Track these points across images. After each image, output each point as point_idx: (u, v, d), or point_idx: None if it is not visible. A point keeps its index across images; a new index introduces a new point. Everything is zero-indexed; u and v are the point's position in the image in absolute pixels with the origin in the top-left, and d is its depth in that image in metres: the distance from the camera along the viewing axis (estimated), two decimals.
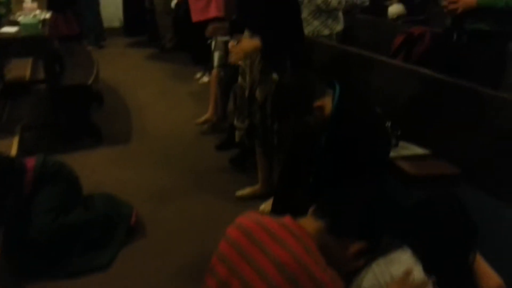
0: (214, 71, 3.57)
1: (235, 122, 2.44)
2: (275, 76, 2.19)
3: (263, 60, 2.19)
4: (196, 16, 4.44)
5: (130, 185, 2.86)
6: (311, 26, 3.23)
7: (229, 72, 3.46)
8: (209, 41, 3.89)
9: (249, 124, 2.33)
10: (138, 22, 7.57)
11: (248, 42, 2.15)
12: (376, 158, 1.55)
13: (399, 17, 5.15)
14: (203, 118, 3.64)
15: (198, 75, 5.08)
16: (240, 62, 2.36)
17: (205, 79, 4.86)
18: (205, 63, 4.90)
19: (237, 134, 2.43)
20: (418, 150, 2.06)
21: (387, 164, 1.66)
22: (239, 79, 2.39)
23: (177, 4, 4.74)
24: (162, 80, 5.18)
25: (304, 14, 3.11)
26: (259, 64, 2.20)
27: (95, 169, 3.08)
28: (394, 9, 5.20)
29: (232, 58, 2.19)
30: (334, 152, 1.57)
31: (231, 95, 3.53)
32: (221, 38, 3.85)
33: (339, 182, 1.44)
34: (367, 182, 1.44)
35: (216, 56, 3.83)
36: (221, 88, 3.49)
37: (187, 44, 4.99)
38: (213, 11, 4.37)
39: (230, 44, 3.13)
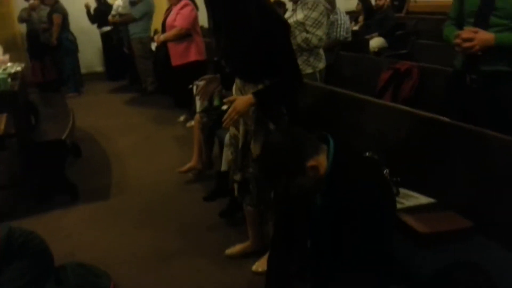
0: (197, 117, 3.39)
1: (232, 174, 2.24)
2: (271, 126, 2.01)
3: (257, 110, 2.01)
4: (176, 60, 4.33)
5: (109, 250, 2.60)
6: None
7: (212, 116, 3.31)
8: (190, 86, 3.74)
9: (241, 178, 2.14)
10: (119, 66, 7.48)
11: (242, 101, 1.91)
12: (381, 220, 1.36)
13: (380, 50, 5.13)
14: (187, 166, 3.43)
15: (182, 118, 4.91)
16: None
17: (192, 122, 4.68)
18: (188, 107, 4.76)
19: (236, 188, 2.23)
20: (422, 199, 1.88)
21: (393, 226, 1.47)
22: (231, 129, 2.20)
23: (156, 48, 4.63)
24: (144, 125, 4.99)
25: None
26: (254, 114, 2.03)
27: (71, 231, 2.82)
28: (375, 42, 5.18)
29: (227, 123, 1.94)
30: (333, 216, 1.37)
31: (216, 140, 3.36)
32: (202, 82, 3.70)
33: (340, 258, 1.25)
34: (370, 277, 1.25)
35: (199, 102, 3.67)
36: (204, 134, 3.31)
37: (169, 88, 4.85)
38: (193, 55, 4.26)
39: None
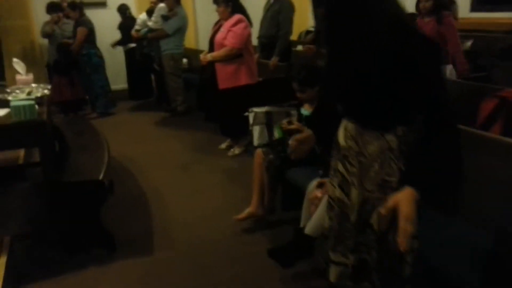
0: (258, 152, 2.81)
1: (330, 254, 1.62)
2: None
3: (385, 166, 1.42)
4: (224, 83, 3.77)
5: None
6: None
7: (279, 153, 2.72)
8: (246, 113, 3.16)
9: (357, 261, 1.52)
10: (144, 84, 6.98)
11: (407, 202, 1.29)
12: None
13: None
14: (245, 212, 2.83)
15: (224, 145, 4.34)
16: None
17: (236, 151, 4.12)
18: (235, 135, 4.19)
19: (333, 271, 1.61)
20: None
21: None
22: (333, 189, 1.59)
23: (202, 68, 4.08)
24: (180, 152, 4.42)
25: None
26: (379, 174, 1.43)
27: None
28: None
29: (404, 248, 1.30)
30: None
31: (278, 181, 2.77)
32: (261, 109, 3.14)
33: None
34: None
35: (257, 131, 3.10)
36: (270, 175, 2.72)
37: (214, 114, 4.29)
38: (243, 78, 3.70)
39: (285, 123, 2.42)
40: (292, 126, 2.60)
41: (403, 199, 1.29)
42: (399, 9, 1.33)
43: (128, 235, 2.84)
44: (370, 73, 1.31)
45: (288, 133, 2.68)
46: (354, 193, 1.49)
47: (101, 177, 2.59)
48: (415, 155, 1.36)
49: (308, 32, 7.01)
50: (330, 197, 1.63)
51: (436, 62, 1.32)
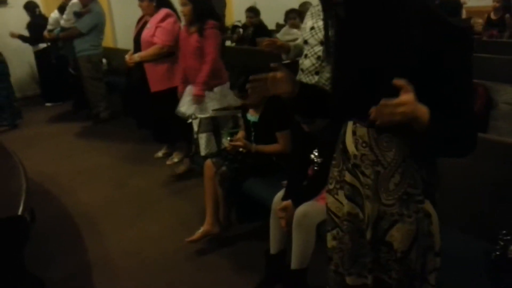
0: (208, 164, 2.50)
1: (347, 279, 1.36)
2: (427, 204, 1.22)
3: (406, 177, 1.20)
4: (155, 85, 3.37)
5: None
6: None
7: (233, 164, 2.44)
8: (189, 120, 2.82)
9: (374, 281, 1.30)
10: (59, 88, 6.27)
11: (418, 107, 1.02)
12: None
13: None
14: (199, 232, 2.51)
15: (160, 153, 3.95)
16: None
17: (176, 158, 3.76)
18: (169, 141, 3.82)
19: None
20: None
21: None
22: (346, 205, 1.33)
23: (129, 70, 3.63)
24: (111, 167, 3.92)
25: None
26: (400, 186, 1.21)
27: None
28: None
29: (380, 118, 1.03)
30: None
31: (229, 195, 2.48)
32: (205, 114, 2.83)
33: None
34: None
35: (203, 140, 2.78)
36: (224, 188, 2.43)
37: (146, 120, 3.86)
38: (178, 78, 3.34)
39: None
40: (237, 143, 2.48)
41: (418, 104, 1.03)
42: None
43: (61, 274, 2.40)
44: (394, 69, 1.09)
45: (234, 150, 2.46)
46: (369, 207, 1.26)
47: (20, 211, 2.11)
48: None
49: (234, 26, 6.77)
50: (333, 213, 1.39)
51: (466, 56, 1.12)
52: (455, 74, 1.10)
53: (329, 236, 1.42)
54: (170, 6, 3.45)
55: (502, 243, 1.58)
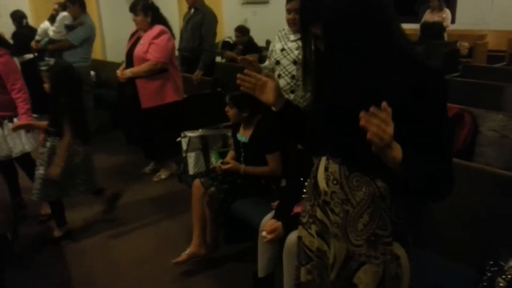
0: (196, 184, 2.48)
1: None
2: (396, 246, 1.21)
3: (375, 219, 1.20)
4: (147, 102, 3.35)
5: None
6: None
7: (222, 185, 2.43)
8: (178, 138, 2.80)
9: None
10: (44, 98, 6.16)
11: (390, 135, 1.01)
12: None
13: None
14: (186, 254, 2.47)
15: (147, 169, 3.91)
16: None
17: (163, 175, 3.73)
18: (158, 158, 3.79)
19: None
20: None
21: None
22: (316, 240, 1.33)
23: (120, 86, 3.60)
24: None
25: None
26: (371, 225, 1.21)
27: None
28: None
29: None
30: None
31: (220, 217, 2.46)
32: (194, 133, 2.81)
33: None
34: None
35: (192, 158, 2.76)
36: (213, 209, 2.40)
37: (137, 137, 3.82)
38: (170, 95, 3.33)
39: None
40: (228, 166, 2.47)
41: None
42: (406, 39, 1.12)
43: None
44: (366, 110, 1.08)
45: (225, 173, 2.45)
46: (337, 246, 1.25)
47: (3, 230, 2.05)
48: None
49: (225, 42, 6.81)
50: (306, 247, 1.39)
51: (443, 98, 1.12)
52: (431, 116, 1.08)
53: (303, 271, 1.40)
54: (165, 22, 3.45)
55: (489, 274, 1.58)
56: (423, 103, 1.07)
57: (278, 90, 1.34)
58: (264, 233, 1.98)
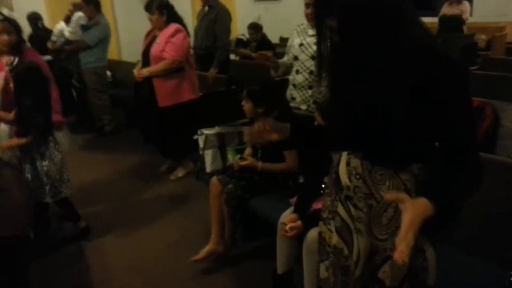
0: (214, 181, 2.48)
1: None
2: (427, 247, 1.19)
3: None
4: (164, 101, 3.37)
5: None
6: None
7: (239, 181, 2.42)
8: (195, 136, 2.81)
9: None
10: (65, 100, 6.24)
11: (417, 211, 1.02)
12: None
13: None
14: (204, 251, 2.48)
15: (164, 167, 3.94)
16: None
17: (180, 173, 3.75)
18: (178, 156, 3.81)
19: None
20: None
21: None
22: (334, 236, 1.32)
23: (136, 85, 3.62)
24: (113, 181, 3.89)
25: None
26: (396, 219, 1.19)
27: None
28: None
29: (402, 260, 0.98)
30: None
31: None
32: (211, 131, 2.82)
33: None
34: None
35: (209, 156, 2.76)
36: (230, 206, 2.41)
37: (154, 136, 3.85)
38: (186, 94, 3.34)
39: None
40: (245, 162, 2.45)
41: (415, 205, 1.04)
42: (425, 32, 1.10)
43: None
44: (389, 105, 1.07)
45: (242, 169, 2.44)
46: (360, 243, 1.24)
47: (21, 230, 2.09)
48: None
49: (238, 40, 6.80)
50: (324, 240, 1.37)
51: (463, 89, 1.10)
52: (453, 108, 1.08)
53: (322, 267, 1.38)
54: (180, 21, 3.46)
55: None
56: (445, 96, 1.06)
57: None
58: (287, 227, 1.97)
